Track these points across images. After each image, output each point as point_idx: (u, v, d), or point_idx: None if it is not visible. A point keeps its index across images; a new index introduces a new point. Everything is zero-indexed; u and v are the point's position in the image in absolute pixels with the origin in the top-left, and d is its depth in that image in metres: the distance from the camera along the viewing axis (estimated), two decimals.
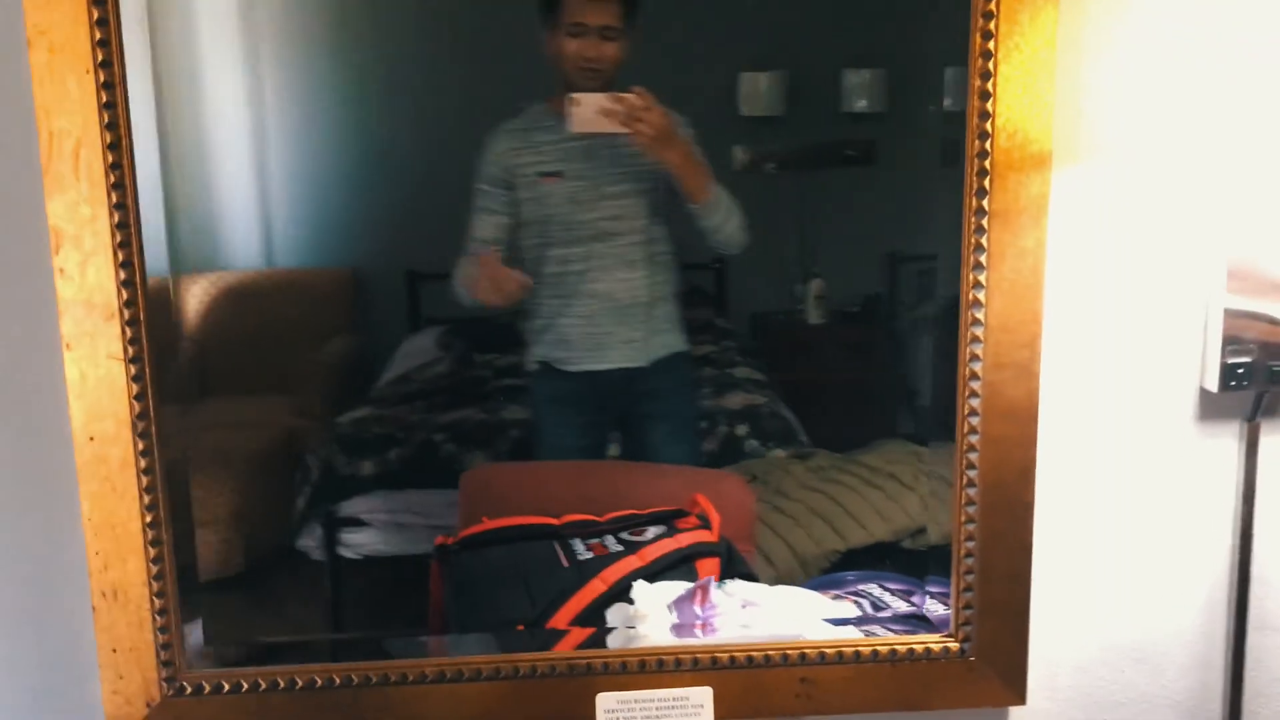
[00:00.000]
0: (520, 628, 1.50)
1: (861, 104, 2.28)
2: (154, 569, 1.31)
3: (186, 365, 2.29)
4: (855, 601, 1.56)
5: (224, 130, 2.27)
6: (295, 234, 2.38)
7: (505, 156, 1.85)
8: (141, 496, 1.30)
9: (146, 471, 1.30)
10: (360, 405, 2.25)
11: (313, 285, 2.40)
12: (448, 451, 2.15)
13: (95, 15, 1.21)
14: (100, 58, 1.22)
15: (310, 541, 2.14)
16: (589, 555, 1.55)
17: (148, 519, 1.30)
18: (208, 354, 2.32)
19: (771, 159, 2.26)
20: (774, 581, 1.64)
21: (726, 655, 1.40)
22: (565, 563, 1.54)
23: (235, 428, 2.28)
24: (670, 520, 1.63)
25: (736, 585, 1.51)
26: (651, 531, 1.60)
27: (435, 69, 2.23)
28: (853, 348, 2.33)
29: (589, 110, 1.64)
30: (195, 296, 2.28)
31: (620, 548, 1.57)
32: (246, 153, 2.29)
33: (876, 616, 1.51)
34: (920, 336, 1.81)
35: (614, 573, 1.49)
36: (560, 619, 1.47)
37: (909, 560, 1.75)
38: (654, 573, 1.50)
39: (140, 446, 1.29)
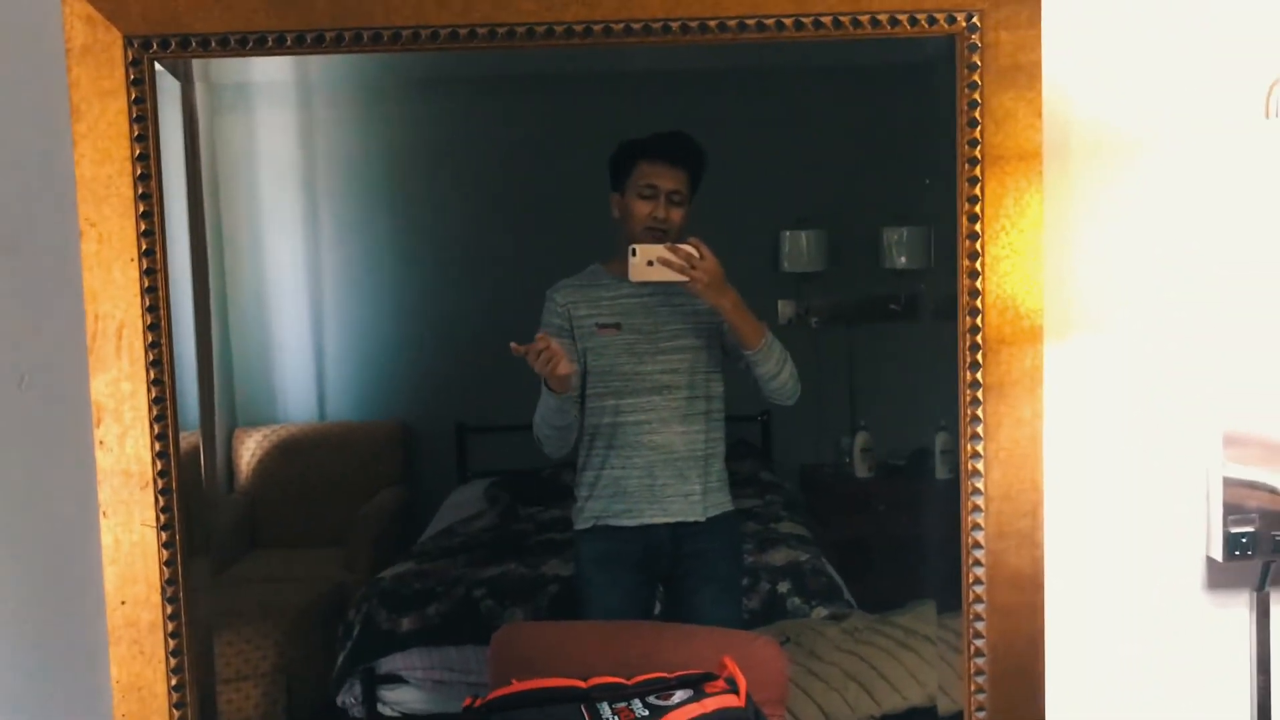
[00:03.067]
0: None
1: (902, 260, 2.32)
2: None
3: (236, 518, 2.36)
4: None
5: (282, 292, 2.38)
6: (347, 389, 2.46)
7: (566, 307, 1.92)
8: (168, 660, 1.34)
9: (174, 635, 1.34)
10: (403, 559, 2.28)
11: (363, 438, 2.46)
12: (486, 607, 2.16)
13: (140, 209, 1.30)
14: (144, 247, 1.31)
15: (350, 698, 2.16)
16: None
17: (173, 682, 1.34)
18: (258, 506, 2.39)
19: (815, 313, 2.30)
20: None
21: None
22: None
23: (283, 581, 2.32)
24: (698, 684, 1.60)
25: None
26: (678, 695, 1.58)
27: (483, 232, 2.33)
28: (897, 503, 2.31)
29: (647, 260, 1.74)
30: (249, 449, 2.36)
31: (646, 712, 1.55)
32: (304, 312, 2.39)
33: None
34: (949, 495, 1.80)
35: None
36: None
37: None
38: None
39: (168, 611, 1.34)
